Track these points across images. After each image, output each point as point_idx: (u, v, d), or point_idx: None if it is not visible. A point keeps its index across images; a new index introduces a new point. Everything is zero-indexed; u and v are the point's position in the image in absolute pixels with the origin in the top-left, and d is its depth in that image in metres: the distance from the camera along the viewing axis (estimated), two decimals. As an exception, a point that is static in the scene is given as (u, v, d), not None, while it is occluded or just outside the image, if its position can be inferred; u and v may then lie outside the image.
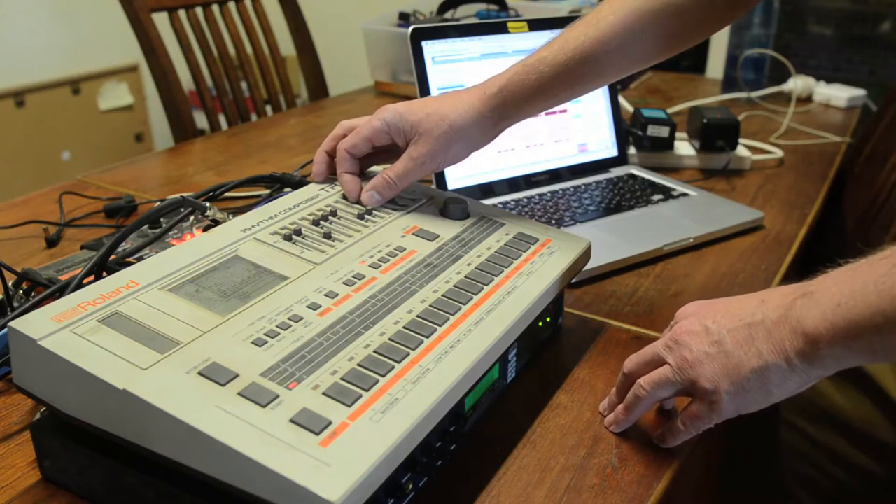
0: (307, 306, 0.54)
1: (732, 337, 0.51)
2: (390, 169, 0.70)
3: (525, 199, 0.96)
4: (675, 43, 0.71)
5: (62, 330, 0.47)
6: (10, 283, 0.67)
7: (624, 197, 0.99)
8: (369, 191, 0.69)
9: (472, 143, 0.71)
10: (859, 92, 1.53)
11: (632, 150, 1.15)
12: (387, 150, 0.73)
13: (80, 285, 0.60)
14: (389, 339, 0.52)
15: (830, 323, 0.47)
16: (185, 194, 0.84)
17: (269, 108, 1.66)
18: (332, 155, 0.73)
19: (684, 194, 1.01)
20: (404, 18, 1.58)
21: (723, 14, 0.71)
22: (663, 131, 1.13)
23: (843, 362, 0.49)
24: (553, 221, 0.91)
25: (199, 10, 1.51)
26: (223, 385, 0.45)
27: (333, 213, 0.67)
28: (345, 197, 0.70)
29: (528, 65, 0.69)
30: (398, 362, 0.50)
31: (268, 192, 0.95)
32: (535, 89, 0.69)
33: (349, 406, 0.45)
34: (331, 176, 0.73)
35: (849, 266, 0.49)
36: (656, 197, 1.00)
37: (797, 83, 1.53)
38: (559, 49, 0.68)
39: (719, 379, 0.51)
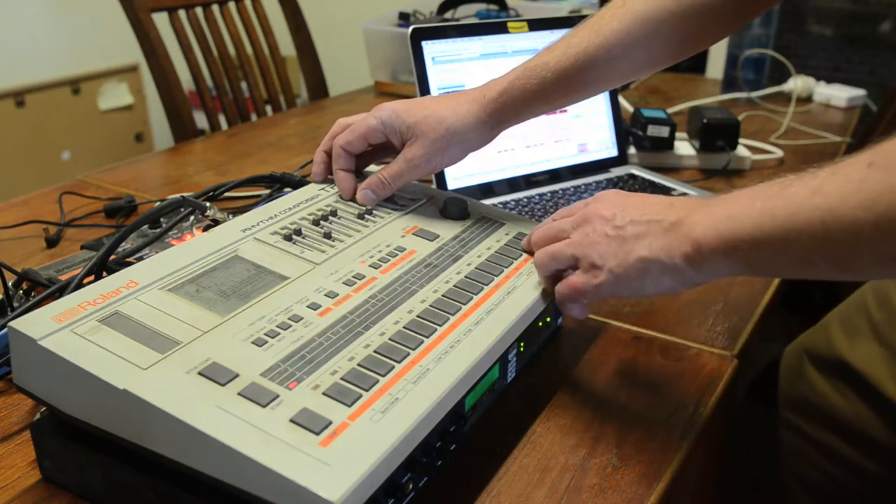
0: (307, 306, 0.54)
1: (633, 227, 0.55)
2: (385, 169, 0.69)
3: (525, 199, 0.96)
4: (679, 50, 0.71)
5: (62, 330, 0.47)
6: (10, 283, 0.67)
7: (624, 197, 0.99)
8: (364, 189, 0.69)
9: (469, 146, 0.70)
10: (859, 92, 1.53)
11: (632, 150, 1.15)
12: (384, 148, 0.73)
13: (80, 285, 0.60)
14: (389, 339, 0.52)
15: (718, 232, 0.50)
16: (185, 194, 0.84)
17: (269, 108, 1.66)
18: (331, 154, 0.73)
19: (684, 194, 1.01)
20: (404, 18, 1.58)
21: (727, 22, 0.70)
22: (663, 131, 1.13)
23: (720, 270, 0.51)
24: (553, 221, 0.91)
25: (199, 10, 1.51)
26: (223, 385, 0.45)
27: (333, 213, 0.67)
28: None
29: (530, 69, 0.69)
30: (398, 362, 0.50)
31: (268, 192, 0.95)
32: (536, 94, 0.69)
33: (349, 406, 0.45)
34: (330, 176, 0.73)
35: (757, 186, 0.51)
36: (656, 197, 1.00)
37: (797, 83, 1.53)
38: (561, 55, 0.68)
39: (608, 258, 0.55)
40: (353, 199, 0.70)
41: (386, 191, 0.69)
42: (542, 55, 0.69)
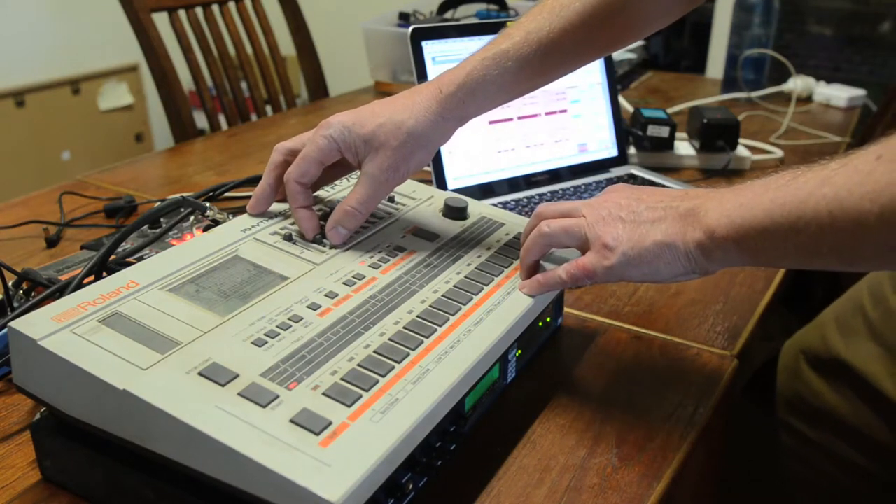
0: (307, 306, 0.54)
1: (649, 212, 0.55)
2: (350, 196, 0.62)
3: (525, 199, 0.96)
4: (646, 27, 0.70)
5: (62, 330, 0.47)
6: (10, 283, 0.67)
7: (624, 197, 0.99)
8: (333, 228, 0.62)
9: (433, 146, 0.65)
10: (859, 92, 1.53)
11: (632, 150, 1.15)
12: (338, 166, 0.66)
13: (80, 285, 0.60)
14: (389, 340, 0.52)
15: (729, 219, 0.51)
16: (185, 194, 0.84)
17: (269, 108, 1.66)
18: (274, 187, 0.65)
19: (684, 194, 1.01)
20: (404, 18, 1.58)
21: None
22: (663, 131, 1.13)
23: (730, 259, 0.52)
24: (553, 221, 0.91)
25: (199, 10, 1.51)
26: (223, 385, 0.45)
27: (333, 214, 0.67)
28: (323, 223, 0.64)
29: (489, 59, 0.64)
30: (398, 362, 0.50)
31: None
32: (498, 85, 0.65)
33: (349, 406, 0.45)
34: (274, 207, 0.67)
35: (769, 176, 0.52)
36: (656, 197, 1.00)
37: (797, 83, 1.53)
38: (522, 42, 0.64)
39: (623, 240, 0.55)
40: (314, 241, 0.62)
41: (357, 221, 0.62)
42: (500, 43, 0.65)
